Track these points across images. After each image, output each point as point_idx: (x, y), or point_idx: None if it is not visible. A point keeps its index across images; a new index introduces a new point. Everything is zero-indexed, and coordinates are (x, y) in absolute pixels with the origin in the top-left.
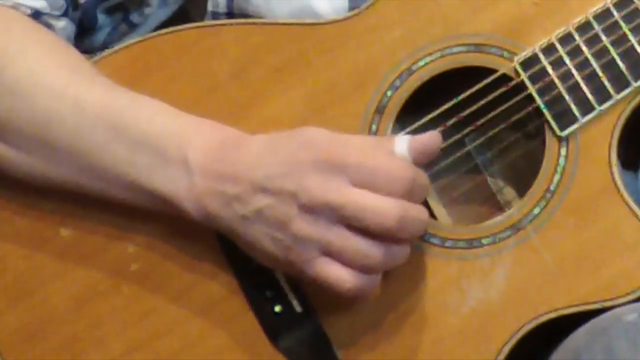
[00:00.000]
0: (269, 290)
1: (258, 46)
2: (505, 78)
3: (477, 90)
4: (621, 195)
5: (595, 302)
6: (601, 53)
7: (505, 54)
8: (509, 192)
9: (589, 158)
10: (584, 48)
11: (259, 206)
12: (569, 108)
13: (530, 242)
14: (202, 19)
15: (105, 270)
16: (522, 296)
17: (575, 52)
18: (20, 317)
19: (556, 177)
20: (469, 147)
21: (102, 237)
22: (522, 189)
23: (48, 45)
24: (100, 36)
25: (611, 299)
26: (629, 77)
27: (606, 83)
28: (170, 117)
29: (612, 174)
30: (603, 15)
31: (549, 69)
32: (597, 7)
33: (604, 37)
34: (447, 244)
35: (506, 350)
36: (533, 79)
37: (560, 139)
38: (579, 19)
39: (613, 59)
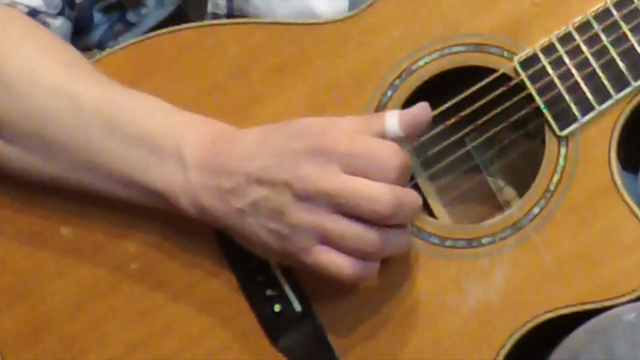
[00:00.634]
0: (268, 290)
1: (258, 46)
2: (505, 78)
3: (477, 90)
4: (621, 195)
5: (594, 302)
6: (601, 53)
7: (505, 53)
8: (508, 192)
9: (588, 158)
10: (584, 48)
11: (254, 198)
12: (568, 108)
13: (530, 242)
14: (200, 19)
15: (105, 269)
16: (521, 296)
17: (575, 52)
18: (20, 317)
19: (556, 177)
20: (469, 147)
21: (102, 236)
22: (521, 188)
23: (45, 42)
24: (96, 35)
25: (610, 299)
26: (629, 77)
27: (606, 83)
28: (166, 114)
29: (611, 173)
30: (603, 15)
31: (549, 69)
32: (597, 7)
33: (603, 37)
34: (447, 243)
35: (505, 349)
36: (533, 78)
37: (560, 139)
38: (578, 19)
39: (613, 59)
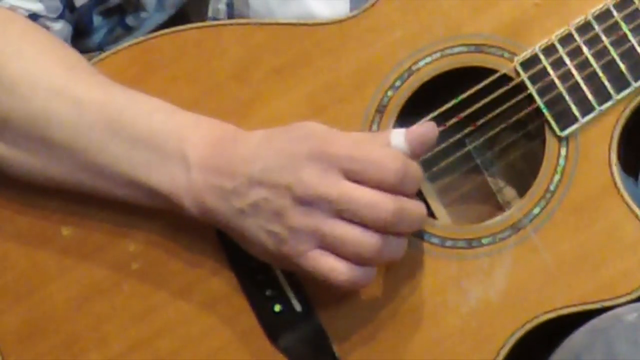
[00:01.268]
0: (269, 290)
1: (259, 46)
2: (505, 78)
3: (478, 91)
4: (621, 196)
5: (595, 302)
6: (601, 53)
7: (506, 54)
8: (509, 192)
9: (589, 158)
10: (584, 48)
11: (255, 199)
12: (569, 108)
13: (530, 242)
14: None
15: (106, 269)
16: (521, 296)
17: (575, 53)
18: (21, 316)
19: (556, 177)
20: (469, 147)
21: (103, 236)
22: (522, 189)
23: (45, 44)
24: (96, 38)
25: (611, 299)
26: (629, 78)
27: (606, 83)
28: (168, 114)
29: (612, 174)
30: (603, 16)
31: (549, 69)
32: (597, 8)
33: (604, 38)
34: (447, 243)
35: (506, 349)
36: (533, 79)
37: (560, 139)
38: (579, 20)
39: (613, 60)
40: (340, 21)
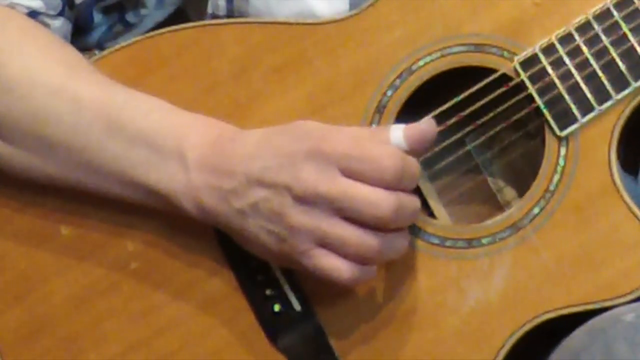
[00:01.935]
0: (268, 289)
1: (258, 45)
2: (505, 78)
3: (477, 90)
4: (621, 196)
5: (594, 302)
6: (601, 53)
7: (506, 54)
8: (508, 192)
9: (588, 158)
10: (584, 48)
11: (255, 199)
12: (568, 108)
13: (530, 242)
14: (199, 20)
15: (105, 268)
16: (521, 296)
17: (575, 52)
18: (20, 316)
19: (556, 177)
20: (469, 147)
21: (102, 236)
22: (522, 188)
23: (45, 43)
24: (95, 35)
25: (610, 299)
26: (629, 77)
27: (606, 83)
28: (166, 114)
29: (611, 174)
30: (603, 16)
31: (549, 69)
32: (597, 8)
33: (604, 38)
34: (447, 243)
35: (505, 350)
36: (533, 78)
37: (560, 139)
38: (579, 19)
39: (613, 59)
40: (340, 20)
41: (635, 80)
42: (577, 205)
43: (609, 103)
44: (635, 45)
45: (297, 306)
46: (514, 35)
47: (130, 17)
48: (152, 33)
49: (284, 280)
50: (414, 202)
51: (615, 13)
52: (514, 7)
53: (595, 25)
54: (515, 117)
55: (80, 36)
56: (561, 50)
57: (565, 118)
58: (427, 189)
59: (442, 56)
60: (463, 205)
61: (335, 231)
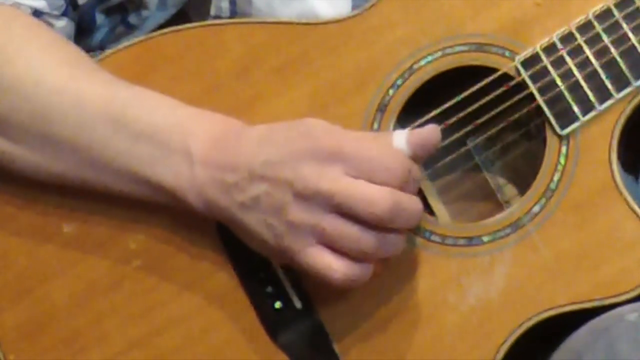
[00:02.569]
0: (269, 287)
1: (261, 45)
2: (506, 77)
3: (478, 89)
4: (621, 194)
5: (594, 300)
6: (602, 52)
7: (507, 53)
8: (509, 191)
9: (589, 157)
10: (585, 47)
11: (256, 193)
12: (569, 107)
13: (531, 240)
14: (201, 21)
15: (107, 266)
16: (521, 294)
17: (576, 52)
18: (22, 313)
19: (556, 176)
20: (470, 146)
21: (105, 234)
22: (522, 187)
23: (48, 41)
24: (98, 37)
25: (611, 297)
26: (630, 77)
27: (607, 82)
28: (171, 109)
29: (612, 172)
30: (604, 15)
31: (550, 68)
32: (598, 7)
33: (604, 37)
34: (448, 241)
35: (505, 347)
36: (534, 78)
37: (560, 138)
38: (580, 19)
39: (614, 59)
40: (342, 20)
41: (636, 80)
42: (577, 204)
43: (609, 102)
44: (636, 44)
45: (298, 304)
46: (515, 34)
47: (132, 18)
48: (154, 33)
49: (285, 277)
50: (416, 203)
51: (616, 13)
52: (515, 7)
53: (596, 25)
54: (516, 116)
55: (83, 38)
56: (562, 50)
57: (566, 117)
58: (428, 188)
59: (444, 56)
60: (463, 204)
61: (333, 228)
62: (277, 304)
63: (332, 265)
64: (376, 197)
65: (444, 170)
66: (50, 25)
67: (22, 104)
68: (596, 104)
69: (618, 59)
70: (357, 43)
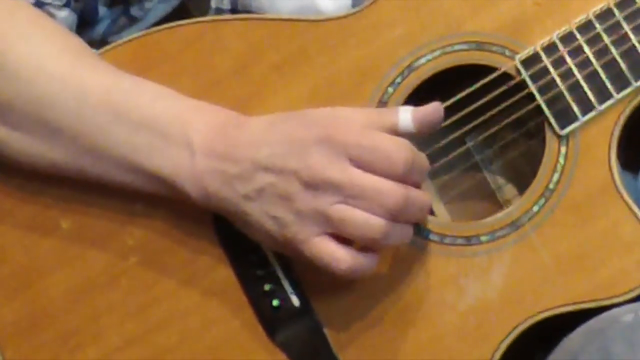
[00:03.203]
0: (267, 284)
1: (260, 41)
2: (506, 76)
3: (478, 89)
4: (620, 195)
5: (592, 301)
6: (602, 52)
7: (507, 52)
8: (508, 190)
9: (588, 157)
10: (585, 47)
11: (261, 184)
12: (569, 107)
13: (529, 240)
14: (203, 14)
15: (105, 262)
16: (519, 294)
17: (576, 51)
18: (19, 309)
19: (556, 176)
20: (469, 145)
21: (102, 230)
22: (521, 187)
23: (51, 30)
24: (100, 29)
25: (609, 298)
26: (630, 77)
27: (607, 82)
28: (172, 100)
29: (611, 173)
30: (605, 15)
31: (550, 68)
32: (598, 7)
33: (605, 37)
34: (446, 240)
35: (503, 347)
36: (534, 77)
37: (560, 138)
38: (580, 19)
39: (614, 59)
40: (342, 18)
41: (636, 80)
42: (576, 204)
43: (609, 102)
44: (636, 44)
45: (295, 302)
46: (515, 34)
47: (134, 10)
48: (153, 29)
49: (283, 275)
50: (424, 197)
51: (616, 13)
52: (515, 6)
53: (597, 25)
54: (515, 116)
55: (85, 29)
56: (562, 49)
57: (565, 117)
58: (427, 187)
59: (443, 54)
60: (462, 204)
61: (342, 213)
62: (275, 302)
63: (337, 255)
64: (386, 189)
65: (444, 169)
66: (52, 16)
67: (23, 91)
68: (596, 104)
69: (618, 59)
70: (356, 41)
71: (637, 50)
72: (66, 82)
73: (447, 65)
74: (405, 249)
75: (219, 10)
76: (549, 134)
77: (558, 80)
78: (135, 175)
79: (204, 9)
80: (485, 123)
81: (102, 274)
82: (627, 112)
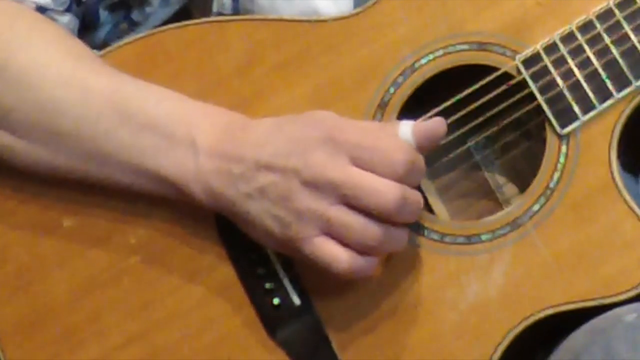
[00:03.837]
0: (268, 283)
1: (263, 42)
2: (507, 76)
3: (479, 88)
4: (620, 194)
5: (593, 300)
6: (603, 52)
7: (508, 52)
8: (509, 190)
9: (589, 156)
10: (586, 47)
11: (263, 183)
12: (569, 106)
13: (530, 239)
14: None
15: (106, 261)
16: (520, 292)
17: (577, 51)
18: (21, 307)
19: (556, 175)
20: (470, 145)
21: (104, 229)
22: (522, 186)
23: (54, 35)
24: (101, 33)
25: (609, 296)
26: (630, 76)
27: (607, 82)
28: (176, 102)
29: (611, 172)
30: (605, 15)
31: (551, 68)
32: (599, 7)
33: (605, 37)
34: (447, 239)
35: (503, 346)
36: (534, 77)
37: (560, 137)
38: (581, 19)
39: (614, 58)
40: (344, 18)
41: (636, 79)
42: (577, 203)
43: (610, 101)
44: (637, 44)
45: (296, 300)
46: (516, 34)
47: (135, 15)
48: (157, 29)
49: (284, 273)
50: (418, 198)
51: (617, 13)
52: (517, 7)
53: (597, 25)
54: (516, 115)
55: (87, 34)
56: (563, 49)
57: (566, 116)
58: (427, 186)
59: (445, 54)
60: (463, 203)
61: (340, 218)
62: (276, 300)
63: (337, 255)
64: (385, 189)
65: (444, 168)
66: (54, 20)
67: (26, 96)
68: (596, 104)
69: (619, 59)
70: (358, 41)
71: (637, 50)
72: (69, 86)
73: (448, 65)
74: (406, 247)
75: (220, 15)
76: (549, 134)
77: (559, 79)
78: (140, 177)
79: (205, 14)
80: (486, 123)
81: (104, 272)
82: (628, 111)
